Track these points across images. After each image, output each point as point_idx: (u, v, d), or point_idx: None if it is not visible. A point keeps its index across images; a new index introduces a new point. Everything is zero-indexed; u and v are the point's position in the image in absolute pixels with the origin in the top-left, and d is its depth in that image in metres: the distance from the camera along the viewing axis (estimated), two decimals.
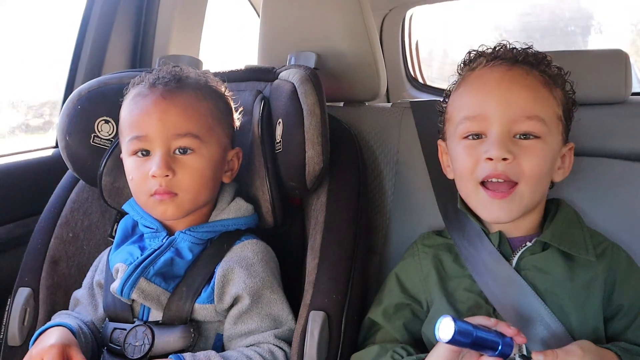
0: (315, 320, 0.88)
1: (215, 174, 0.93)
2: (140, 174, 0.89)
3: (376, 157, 1.19)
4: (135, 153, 0.89)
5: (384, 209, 1.17)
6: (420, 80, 2.22)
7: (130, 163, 0.90)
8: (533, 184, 0.85)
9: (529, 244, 0.88)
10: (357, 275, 0.97)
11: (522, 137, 0.84)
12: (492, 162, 0.82)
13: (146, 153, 0.89)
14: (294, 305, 0.93)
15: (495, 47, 0.92)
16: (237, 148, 0.98)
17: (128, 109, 0.91)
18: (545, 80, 0.87)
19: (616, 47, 1.14)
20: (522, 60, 0.87)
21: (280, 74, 1.06)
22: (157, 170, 0.86)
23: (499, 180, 0.83)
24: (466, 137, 0.87)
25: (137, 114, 0.89)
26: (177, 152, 0.88)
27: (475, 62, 0.92)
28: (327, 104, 1.25)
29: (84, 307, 0.98)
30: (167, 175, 0.86)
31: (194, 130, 0.89)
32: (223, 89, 0.98)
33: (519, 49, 0.91)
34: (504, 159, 0.82)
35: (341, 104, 1.33)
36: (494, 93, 0.85)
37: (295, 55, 1.15)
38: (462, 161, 0.88)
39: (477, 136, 0.86)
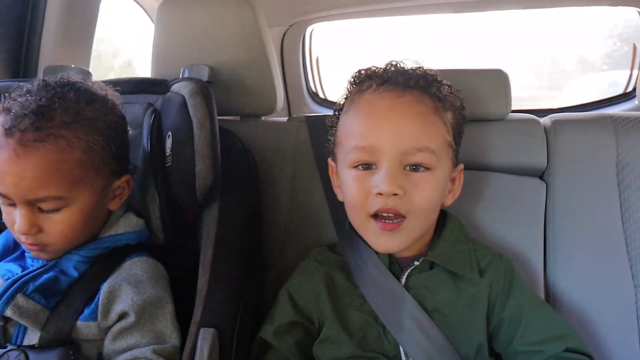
0: (205, 338, 0.85)
1: (91, 218, 0.87)
2: (9, 222, 0.84)
3: (272, 171, 1.19)
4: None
5: (280, 223, 1.17)
6: (321, 95, 2.27)
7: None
8: (422, 217, 0.87)
9: (416, 263, 0.91)
10: (250, 291, 0.96)
11: (412, 168, 0.85)
12: (383, 197, 0.83)
13: (12, 204, 0.82)
14: (185, 323, 0.90)
15: (385, 67, 0.92)
16: (126, 176, 0.92)
17: None
18: (435, 106, 0.87)
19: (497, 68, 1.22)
20: (413, 85, 0.87)
21: (172, 87, 1.04)
22: (20, 229, 0.81)
23: (389, 214, 0.85)
24: (356, 167, 0.87)
25: None
26: (40, 209, 0.82)
27: (365, 84, 0.91)
28: (223, 117, 1.26)
29: None
30: (31, 234, 0.82)
31: (55, 193, 0.80)
32: (119, 105, 0.93)
33: (410, 70, 0.90)
34: (394, 194, 0.83)
35: (238, 117, 1.33)
36: (384, 124, 0.85)
37: (188, 68, 1.14)
38: (352, 193, 0.88)
39: (367, 166, 0.86)
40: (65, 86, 0.85)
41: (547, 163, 1.16)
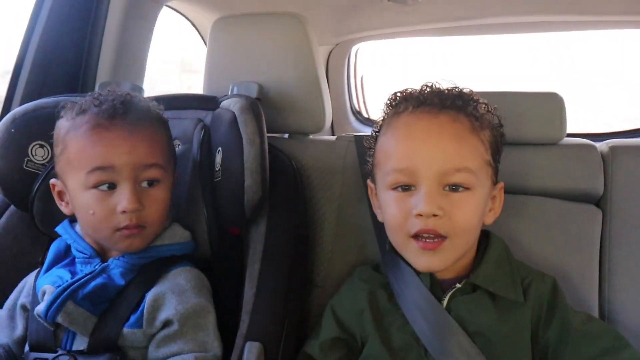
0: (251, 351, 0.87)
1: (170, 202, 0.93)
2: (105, 209, 0.86)
3: (319, 189, 1.20)
4: (96, 186, 0.86)
5: (326, 242, 1.17)
6: (364, 114, 2.28)
7: (89, 197, 0.87)
8: (463, 237, 0.86)
9: (458, 285, 0.89)
10: (295, 307, 0.97)
11: (451, 188, 0.84)
12: (422, 218, 0.82)
13: (111, 186, 0.87)
14: (230, 336, 0.91)
15: (421, 89, 0.91)
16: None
17: (85, 141, 0.87)
18: (472, 126, 0.86)
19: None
20: (449, 105, 0.86)
21: (222, 103, 1.06)
22: (128, 206, 0.85)
23: (430, 235, 0.84)
24: (395, 189, 0.87)
25: (100, 146, 0.86)
26: (143, 184, 0.88)
27: (401, 107, 0.90)
28: (271, 135, 1.28)
29: (1, 328, 0.93)
30: (138, 210, 0.86)
31: (160, 161, 0.90)
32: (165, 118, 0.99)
33: (445, 91, 0.89)
34: (434, 215, 0.82)
35: (286, 135, 1.35)
36: (422, 146, 0.84)
37: (237, 85, 1.16)
38: (391, 214, 0.87)
39: (407, 187, 0.86)
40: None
41: (604, 190, 1.12)
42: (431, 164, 0.83)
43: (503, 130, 0.94)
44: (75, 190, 0.89)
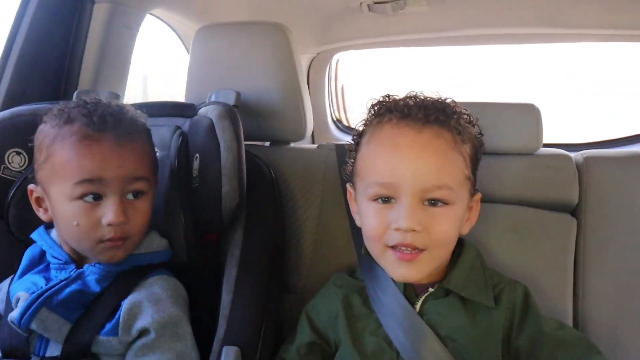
0: (229, 355, 0.87)
1: (151, 212, 0.93)
2: (89, 221, 0.85)
3: (300, 197, 1.21)
4: (81, 197, 0.85)
5: (306, 249, 1.18)
6: (345, 122, 2.30)
7: (73, 208, 0.86)
8: (440, 249, 0.87)
9: (431, 289, 0.90)
10: (272, 312, 0.97)
11: (430, 203, 0.85)
12: (401, 232, 0.83)
13: (97, 197, 0.86)
14: (207, 341, 0.91)
15: (405, 99, 0.91)
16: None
17: (74, 152, 0.85)
18: (454, 140, 0.87)
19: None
20: (432, 121, 0.86)
21: (200, 111, 1.07)
22: (114, 219, 0.84)
23: (407, 249, 0.85)
24: (375, 200, 0.88)
25: (90, 159, 0.85)
26: (129, 196, 0.88)
27: (385, 117, 0.90)
28: (252, 142, 1.29)
29: None
30: (124, 223, 0.86)
31: (146, 174, 0.90)
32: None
33: (430, 103, 0.90)
34: (413, 230, 0.83)
35: (267, 143, 1.35)
36: (404, 161, 0.85)
37: (215, 93, 1.17)
38: (370, 225, 0.88)
39: (387, 199, 0.86)
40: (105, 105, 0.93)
41: (579, 199, 1.14)
42: (413, 180, 0.83)
43: (483, 140, 0.95)
44: (58, 200, 0.87)
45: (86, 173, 0.84)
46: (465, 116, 0.91)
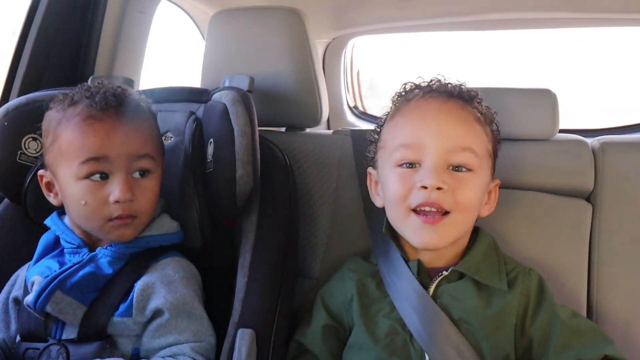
0: (244, 338, 0.88)
1: (159, 193, 0.95)
2: (97, 199, 0.87)
3: (315, 183, 1.21)
4: (88, 176, 0.87)
5: (322, 235, 1.18)
6: (360, 108, 2.29)
7: (81, 188, 0.87)
8: (465, 214, 0.88)
9: (445, 272, 0.91)
10: (286, 296, 0.98)
11: (455, 169, 0.87)
12: (426, 190, 0.84)
13: (104, 176, 0.87)
14: (223, 324, 0.92)
15: (431, 81, 0.95)
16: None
17: (78, 132, 0.87)
18: (477, 117, 0.90)
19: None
20: (456, 95, 0.91)
21: (214, 96, 1.07)
22: (121, 196, 0.86)
23: (432, 209, 0.86)
24: (400, 165, 0.89)
25: (94, 137, 0.87)
26: (135, 174, 0.89)
27: (411, 94, 0.94)
28: (268, 128, 1.29)
29: None
30: (131, 200, 0.87)
31: (152, 152, 0.91)
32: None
33: (454, 84, 0.94)
34: (439, 188, 0.84)
35: (283, 129, 1.35)
36: (431, 123, 0.88)
37: (229, 78, 1.17)
38: (394, 188, 0.89)
39: (412, 165, 0.88)
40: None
41: (594, 185, 1.14)
42: (438, 141, 0.86)
43: (500, 135, 0.97)
44: (66, 181, 0.89)
45: (91, 151, 0.86)
46: (485, 107, 0.94)
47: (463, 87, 0.94)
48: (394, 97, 0.99)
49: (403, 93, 0.97)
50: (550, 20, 1.89)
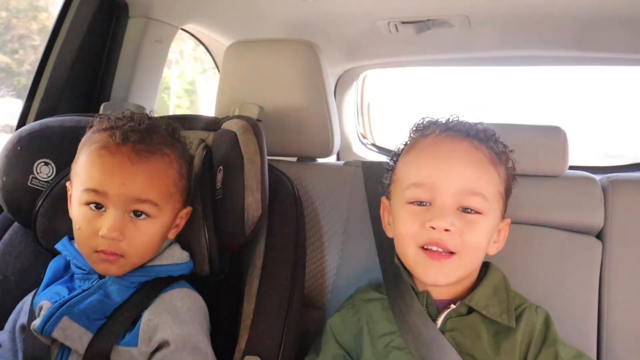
0: None
1: (163, 236, 0.93)
2: (89, 228, 0.87)
3: (326, 214, 1.22)
4: (87, 203, 0.88)
5: (330, 265, 1.18)
6: (370, 140, 2.30)
7: (80, 212, 0.88)
8: (470, 256, 0.88)
9: (453, 306, 0.91)
10: (293, 323, 0.97)
11: (465, 210, 0.87)
12: (435, 231, 0.85)
13: (100, 207, 0.88)
14: (228, 351, 0.92)
15: (448, 118, 0.96)
16: (188, 208, 0.97)
17: (90, 160, 0.88)
18: (491, 158, 0.91)
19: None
20: (473, 135, 0.92)
21: (224, 124, 1.09)
22: (107, 233, 0.85)
23: (438, 249, 0.86)
24: (412, 203, 0.90)
25: (99, 169, 0.87)
26: (131, 214, 0.88)
27: (428, 130, 0.95)
28: (279, 158, 1.30)
29: (4, 351, 0.93)
30: (117, 239, 0.86)
31: (155, 199, 0.89)
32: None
33: (471, 123, 0.95)
34: (446, 230, 0.85)
35: (295, 159, 1.36)
36: (445, 164, 0.89)
37: (239, 107, 1.19)
38: (405, 225, 0.90)
39: (423, 203, 0.89)
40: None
41: (604, 222, 1.13)
42: (450, 183, 0.87)
43: (514, 174, 0.97)
44: (74, 201, 0.91)
45: (92, 183, 0.87)
46: (501, 145, 0.95)
47: (479, 126, 0.94)
48: (411, 129, 1.00)
49: (421, 128, 0.98)
50: (561, 58, 1.90)
